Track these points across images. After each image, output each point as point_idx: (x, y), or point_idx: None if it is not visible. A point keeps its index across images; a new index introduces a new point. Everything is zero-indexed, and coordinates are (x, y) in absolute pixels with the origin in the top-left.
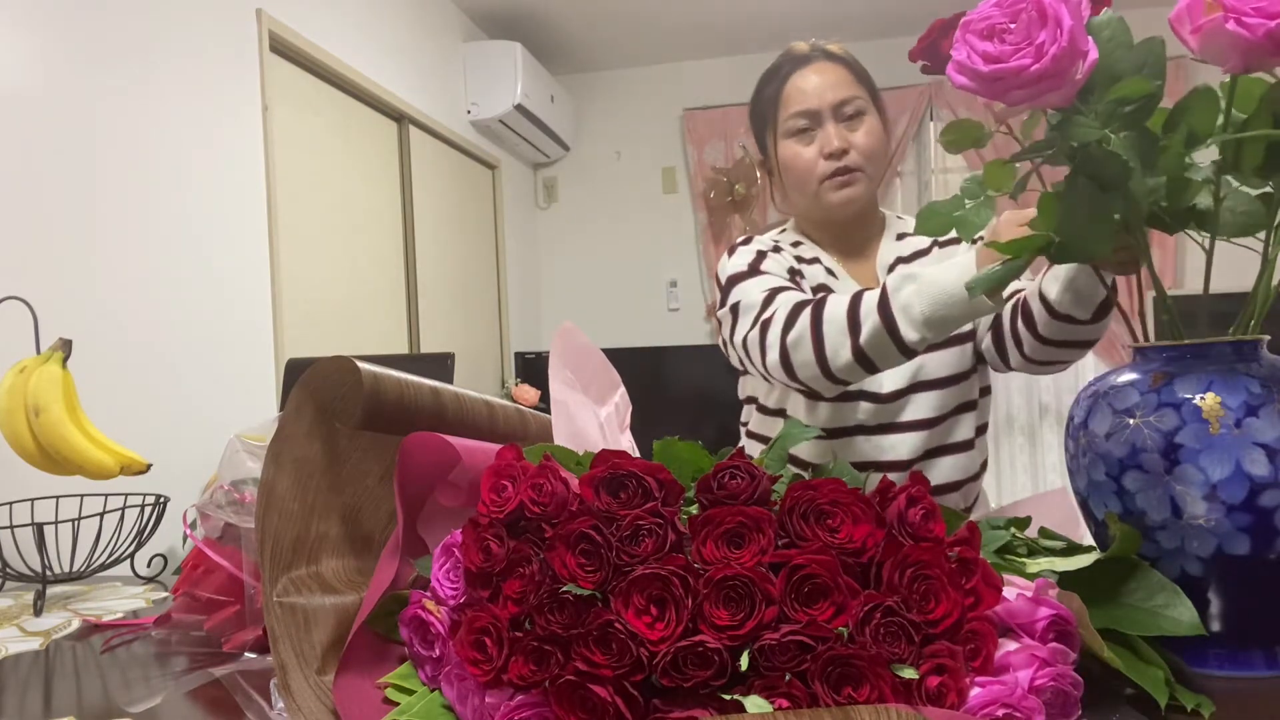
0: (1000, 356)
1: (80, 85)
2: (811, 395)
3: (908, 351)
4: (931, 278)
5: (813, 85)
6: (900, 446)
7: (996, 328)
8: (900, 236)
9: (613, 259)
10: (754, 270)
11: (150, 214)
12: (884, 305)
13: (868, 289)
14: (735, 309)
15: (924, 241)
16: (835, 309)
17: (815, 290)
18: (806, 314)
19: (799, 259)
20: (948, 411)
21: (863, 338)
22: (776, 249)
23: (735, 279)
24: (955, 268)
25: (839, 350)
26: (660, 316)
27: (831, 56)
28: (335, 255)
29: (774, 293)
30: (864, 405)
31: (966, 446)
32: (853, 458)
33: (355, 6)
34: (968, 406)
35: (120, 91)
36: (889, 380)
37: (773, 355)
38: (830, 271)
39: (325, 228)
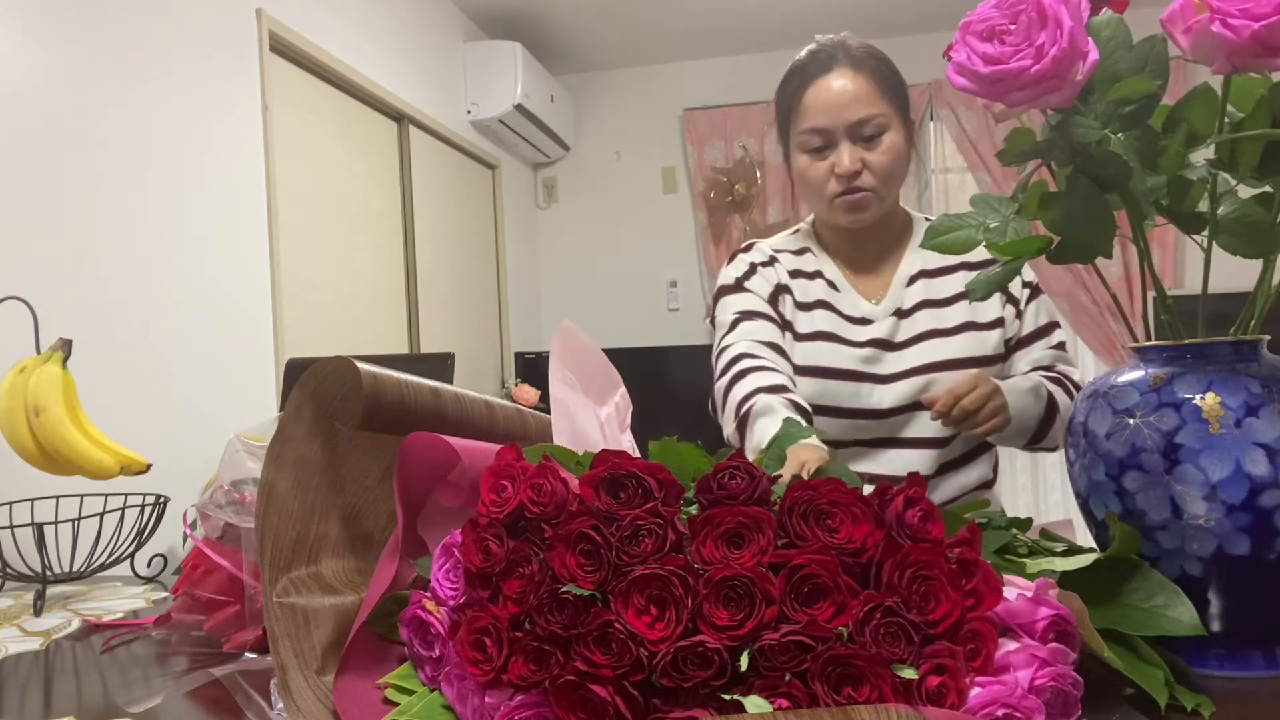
0: None
1: (80, 85)
2: None
3: None
4: (759, 431)
5: (830, 100)
6: (897, 462)
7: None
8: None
9: (613, 259)
10: (738, 286)
11: (150, 214)
12: (743, 426)
13: (760, 390)
14: (715, 324)
15: (951, 258)
16: (731, 400)
17: (812, 306)
18: (723, 383)
19: (797, 272)
20: (955, 435)
21: (730, 433)
22: (772, 260)
23: (722, 291)
24: (773, 425)
25: (728, 426)
26: (660, 316)
27: (857, 63)
28: (335, 255)
29: (739, 319)
30: (863, 423)
31: (970, 458)
32: (856, 469)
33: (355, 6)
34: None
35: (120, 91)
36: (889, 396)
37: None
38: (833, 284)
39: (325, 228)
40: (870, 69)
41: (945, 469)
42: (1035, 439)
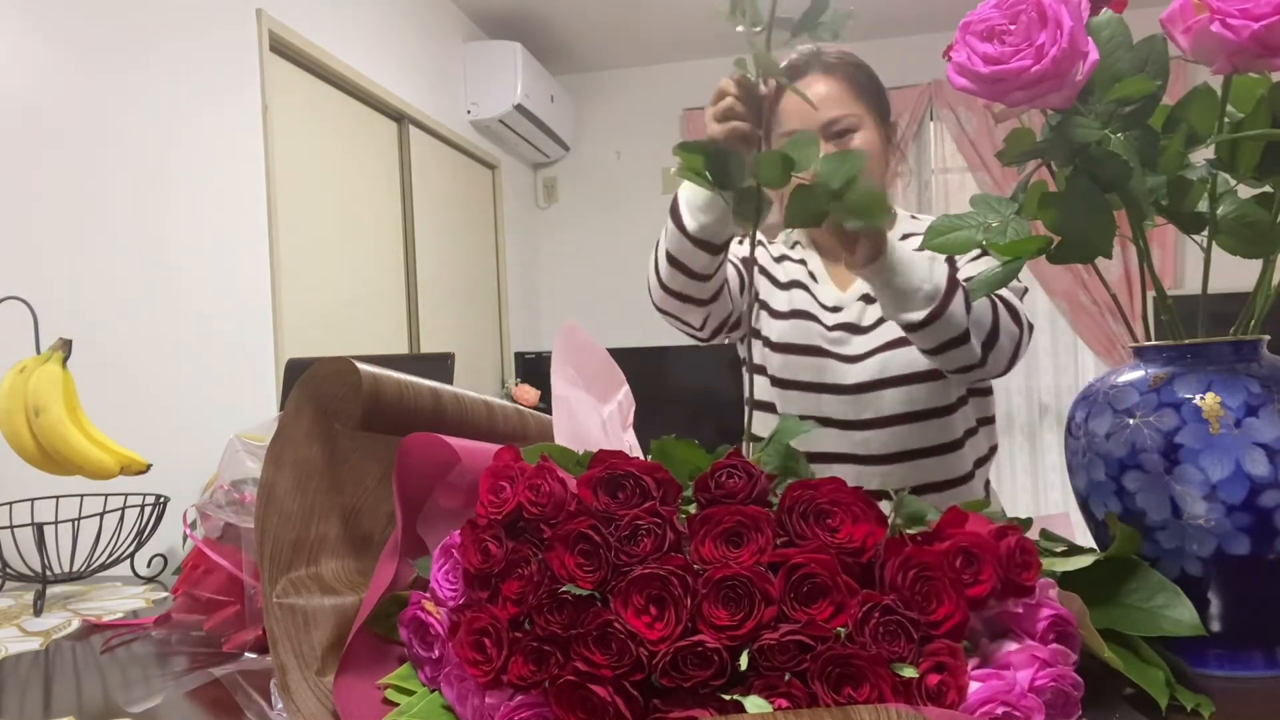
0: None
1: (80, 85)
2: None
3: (699, 244)
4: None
5: (802, 104)
6: (873, 442)
7: None
8: (905, 237)
9: (613, 259)
10: None
11: (150, 214)
12: (675, 210)
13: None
14: None
15: (918, 243)
16: (662, 233)
17: (789, 286)
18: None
19: (783, 257)
20: (923, 409)
21: (666, 240)
22: (760, 245)
23: None
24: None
25: (660, 264)
26: (660, 316)
27: (829, 68)
28: (335, 255)
29: None
30: (827, 398)
31: (953, 447)
32: (828, 449)
33: (355, 6)
34: (949, 409)
35: (120, 91)
36: (853, 374)
37: (649, 277)
38: (813, 275)
39: (325, 228)
40: (842, 73)
41: (920, 453)
42: (933, 316)
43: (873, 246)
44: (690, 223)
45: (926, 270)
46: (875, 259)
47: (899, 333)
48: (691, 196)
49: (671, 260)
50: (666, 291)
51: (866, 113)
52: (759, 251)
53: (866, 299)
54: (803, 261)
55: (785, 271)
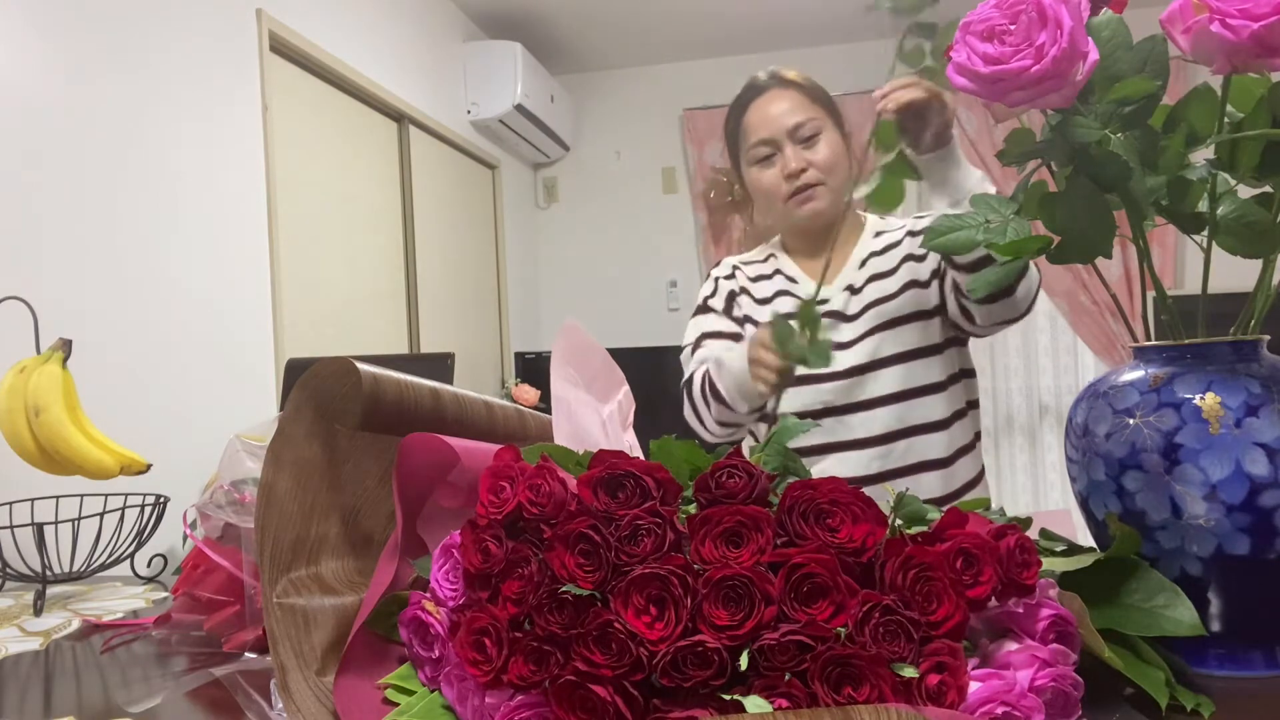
0: (964, 315)
1: (80, 85)
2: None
3: (755, 411)
4: (727, 362)
5: (769, 113)
6: (870, 423)
7: (955, 287)
8: (879, 234)
9: (613, 259)
10: (705, 307)
11: (150, 214)
12: (714, 389)
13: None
14: (685, 350)
15: (897, 235)
16: (696, 390)
17: (772, 298)
18: (688, 402)
19: (759, 276)
20: (914, 387)
21: (714, 413)
22: (733, 272)
23: (695, 312)
24: (739, 357)
25: (707, 422)
26: (660, 316)
27: (786, 83)
28: (335, 255)
29: (698, 342)
30: (825, 385)
31: (941, 426)
32: (826, 438)
33: (355, 6)
34: (939, 386)
35: (120, 91)
36: (848, 358)
37: (691, 421)
38: (792, 279)
39: (325, 228)
40: (798, 86)
41: (912, 431)
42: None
43: (943, 125)
44: (744, 406)
45: (978, 181)
46: (944, 144)
47: (889, 316)
48: (735, 393)
49: (732, 426)
50: (728, 440)
51: (826, 115)
52: (741, 276)
53: (850, 289)
54: (778, 271)
55: (765, 287)
